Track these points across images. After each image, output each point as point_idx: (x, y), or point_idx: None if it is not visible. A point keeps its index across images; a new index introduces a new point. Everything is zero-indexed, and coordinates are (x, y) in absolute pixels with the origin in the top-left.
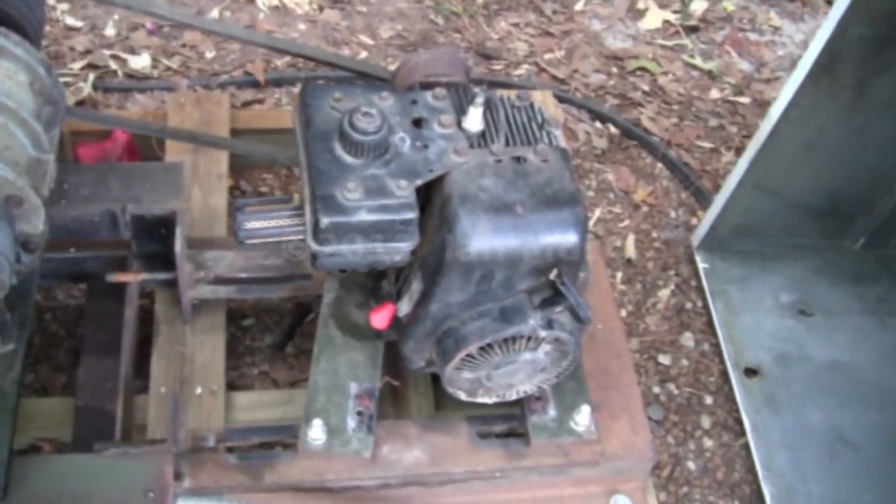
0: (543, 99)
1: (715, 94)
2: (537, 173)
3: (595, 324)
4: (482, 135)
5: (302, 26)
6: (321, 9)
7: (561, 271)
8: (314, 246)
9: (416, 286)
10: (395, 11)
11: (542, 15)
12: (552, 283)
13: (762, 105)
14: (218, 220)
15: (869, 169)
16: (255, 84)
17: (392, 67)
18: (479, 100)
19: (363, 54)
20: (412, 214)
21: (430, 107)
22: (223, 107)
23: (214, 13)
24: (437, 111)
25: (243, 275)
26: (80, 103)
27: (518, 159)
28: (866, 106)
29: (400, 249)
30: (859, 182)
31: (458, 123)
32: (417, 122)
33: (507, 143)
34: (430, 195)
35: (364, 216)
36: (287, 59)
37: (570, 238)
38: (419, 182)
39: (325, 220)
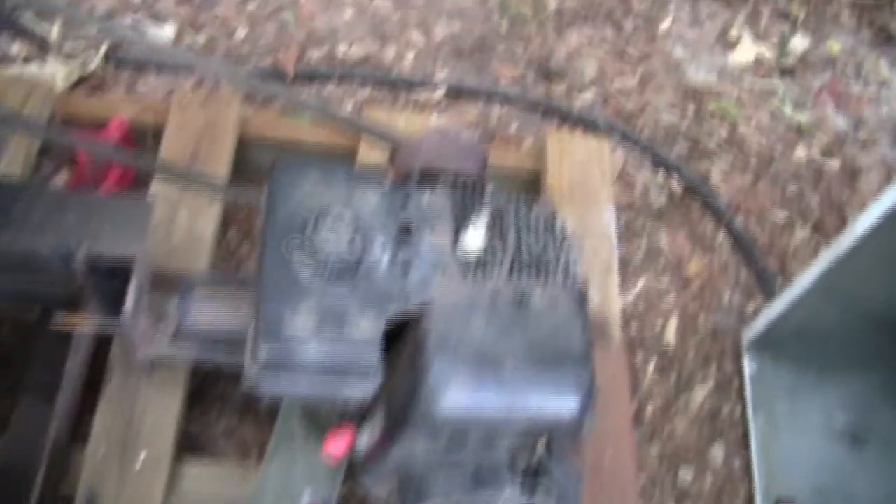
0: (598, 147)
1: (801, 152)
2: (541, 319)
3: (605, 448)
4: (482, 254)
5: (349, 13)
6: None
7: (551, 442)
8: (252, 370)
9: (378, 421)
10: (455, 8)
11: (620, 31)
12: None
13: (851, 174)
14: (201, 251)
15: None
16: (282, 77)
17: (441, 74)
18: (483, 219)
19: (410, 56)
20: (374, 356)
21: (424, 210)
22: (232, 110)
23: None
24: (431, 216)
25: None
26: (84, 80)
27: (520, 298)
28: None
29: (356, 392)
30: None
31: (456, 234)
32: (405, 229)
33: (512, 271)
34: (404, 324)
35: (314, 350)
36: (325, 49)
37: (567, 406)
38: (390, 315)
39: (265, 349)
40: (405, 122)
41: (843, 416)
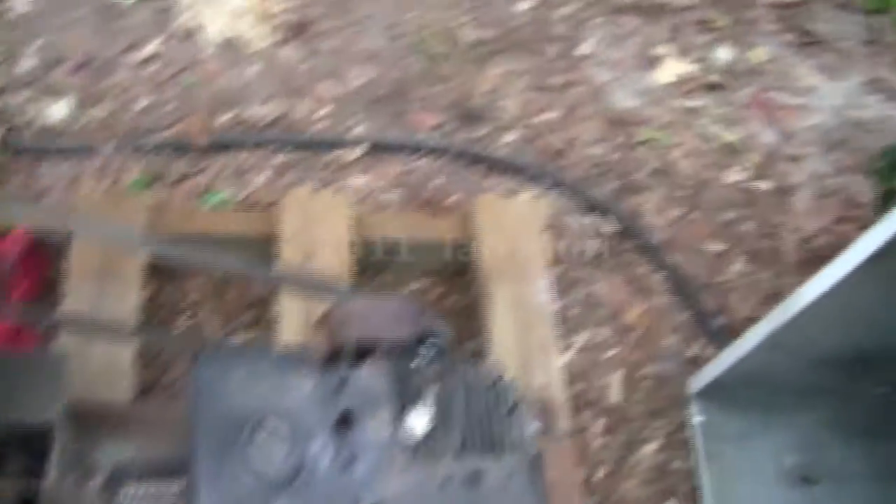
0: (531, 211)
1: (733, 175)
2: (495, 497)
3: None
4: (429, 435)
5: (255, 68)
6: (279, 44)
7: None
8: None
9: None
10: (368, 51)
11: (540, 58)
12: None
13: (783, 193)
14: (121, 380)
15: None
16: (192, 148)
17: (359, 129)
18: (428, 397)
19: (324, 110)
20: None
21: (362, 393)
22: (141, 213)
23: (148, 49)
24: (371, 400)
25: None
26: None
27: (473, 478)
28: None
29: None
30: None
31: (400, 416)
32: (345, 419)
33: (462, 448)
34: None
35: None
36: (233, 111)
37: None
38: None
39: None
40: (324, 203)
41: (793, 458)
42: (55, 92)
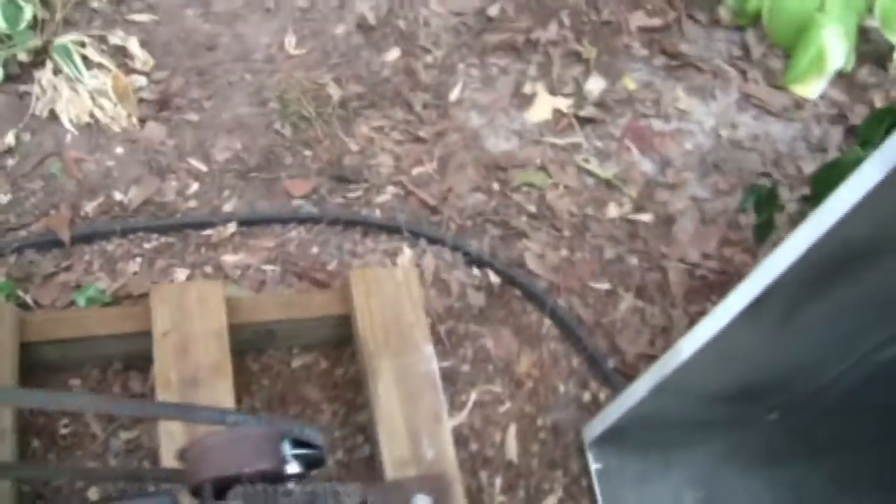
0: (405, 279)
1: (613, 210)
2: None
3: None
4: None
5: (119, 149)
6: (142, 122)
7: None
8: None
9: None
10: (232, 121)
11: (410, 111)
12: None
13: (666, 222)
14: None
15: (791, 366)
16: (59, 243)
17: (229, 205)
18: None
19: (193, 187)
20: None
21: None
22: (7, 323)
23: (7, 140)
24: None
25: None
26: None
27: None
28: (792, 326)
29: None
30: (778, 375)
31: None
32: None
33: None
34: None
35: None
36: (100, 198)
37: None
38: None
39: None
40: (197, 293)
41: (694, 494)
42: None
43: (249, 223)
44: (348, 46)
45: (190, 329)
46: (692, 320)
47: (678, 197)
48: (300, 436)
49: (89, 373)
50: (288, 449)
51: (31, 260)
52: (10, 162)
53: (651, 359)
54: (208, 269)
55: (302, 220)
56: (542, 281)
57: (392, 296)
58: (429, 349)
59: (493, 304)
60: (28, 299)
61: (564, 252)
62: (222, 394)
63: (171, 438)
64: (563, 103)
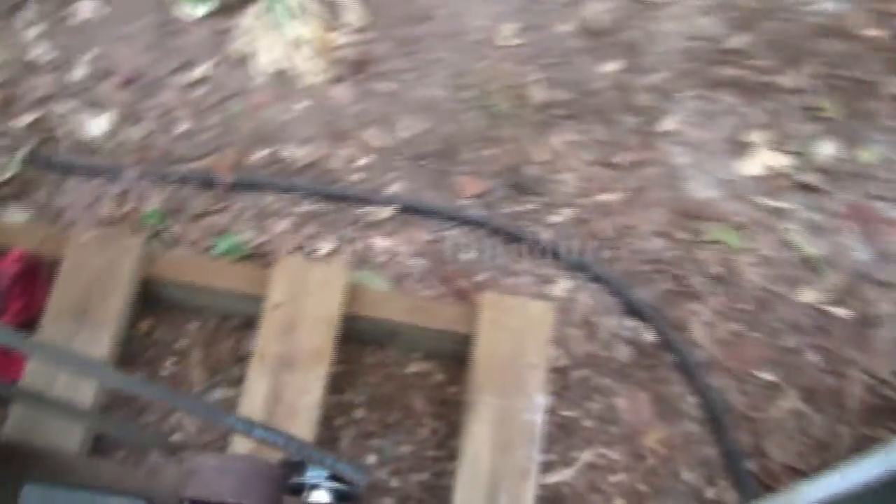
0: (540, 317)
1: (807, 294)
2: None
3: None
4: None
5: (303, 104)
6: (334, 82)
7: None
8: None
9: None
10: (424, 100)
11: (612, 132)
12: None
13: (864, 324)
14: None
15: None
16: (216, 184)
17: (395, 187)
18: None
19: (363, 160)
20: None
21: None
22: (131, 256)
23: (199, 71)
24: None
25: None
26: (6, 183)
27: None
28: None
29: None
30: None
31: None
32: None
33: None
34: None
35: None
36: (269, 150)
37: None
38: None
39: None
40: (321, 274)
41: None
42: (99, 105)
43: (410, 210)
44: (567, 48)
45: (302, 309)
46: (859, 445)
47: (888, 299)
48: (332, 470)
49: (208, 320)
50: (318, 475)
51: (188, 195)
52: (198, 93)
53: (797, 473)
54: (355, 247)
55: (464, 221)
56: (700, 352)
57: (519, 331)
58: (539, 399)
59: (638, 362)
60: (172, 232)
61: (736, 327)
62: (313, 382)
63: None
64: (783, 161)
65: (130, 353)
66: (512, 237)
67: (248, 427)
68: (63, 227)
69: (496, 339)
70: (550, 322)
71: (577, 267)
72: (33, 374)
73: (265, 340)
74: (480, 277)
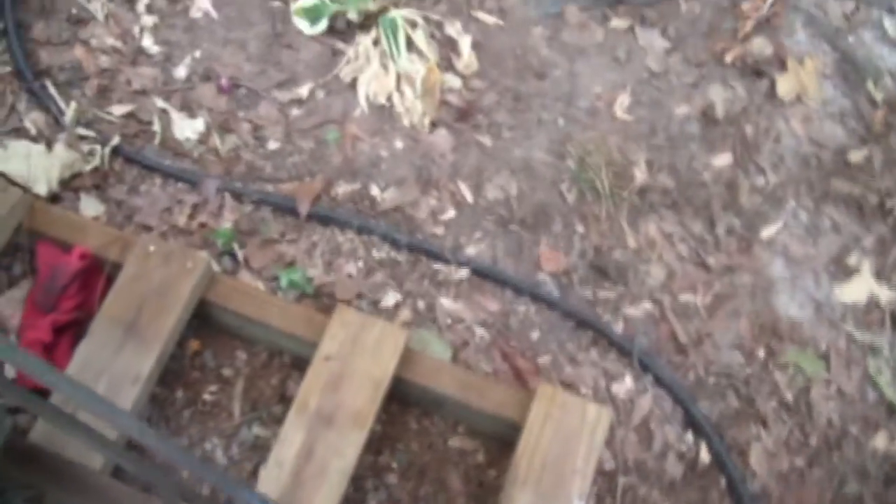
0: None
1: (881, 441)
2: None
3: None
4: None
5: (399, 143)
6: (434, 126)
7: None
8: None
9: None
10: (522, 161)
11: (711, 230)
12: None
13: None
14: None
15: None
16: (295, 212)
17: (474, 248)
18: None
19: (449, 213)
20: None
21: None
22: (192, 275)
23: (302, 90)
24: None
25: None
26: (89, 173)
27: None
28: None
29: None
30: None
31: None
32: None
33: None
34: None
35: None
36: (356, 185)
37: None
38: None
39: None
40: (380, 331)
41: None
42: (195, 108)
43: (484, 275)
44: (680, 132)
45: (352, 365)
46: None
47: None
48: None
49: (258, 352)
50: None
51: (264, 217)
52: (295, 112)
53: None
54: (420, 305)
55: (537, 298)
56: (756, 482)
57: (570, 432)
58: None
59: (689, 481)
60: (239, 255)
61: (799, 461)
62: (349, 446)
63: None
64: (886, 295)
65: (174, 371)
66: (584, 323)
67: None
68: (134, 228)
69: (545, 435)
70: (605, 430)
71: (644, 367)
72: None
73: (309, 391)
74: (542, 359)
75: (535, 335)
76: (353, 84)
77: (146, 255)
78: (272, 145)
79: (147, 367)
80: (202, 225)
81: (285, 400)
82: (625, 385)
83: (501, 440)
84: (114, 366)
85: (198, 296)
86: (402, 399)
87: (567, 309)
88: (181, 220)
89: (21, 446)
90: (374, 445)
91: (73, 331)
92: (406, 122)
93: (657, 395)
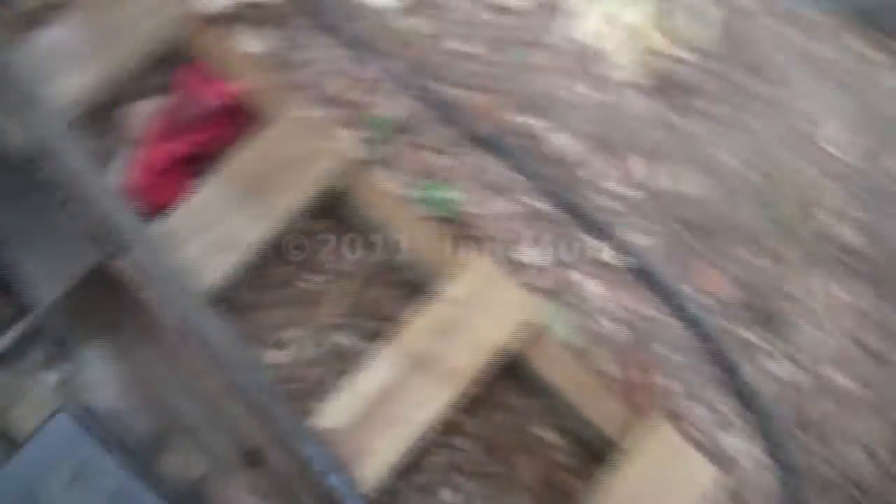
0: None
1: None
2: None
3: None
4: None
5: (593, 93)
6: (642, 89)
7: None
8: None
9: None
10: (716, 162)
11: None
12: None
13: None
14: None
15: None
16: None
17: (633, 236)
18: None
19: (621, 189)
20: None
21: None
22: (331, 155)
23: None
24: None
25: None
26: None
27: None
28: None
29: None
30: None
31: None
32: None
33: None
34: None
35: None
36: (534, 119)
37: None
38: None
39: None
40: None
41: None
42: None
43: (637, 273)
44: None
45: (470, 320)
46: None
47: None
48: None
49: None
50: None
51: (426, 119)
52: (499, 20)
53: None
54: (563, 275)
55: (683, 316)
56: None
57: (669, 478)
58: None
59: None
60: (387, 150)
61: None
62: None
63: None
64: None
65: (282, 247)
66: (720, 360)
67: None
68: (288, 84)
69: (640, 471)
70: (705, 488)
71: (763, 434)
72: None
73: (414, 329)
74: (661, 381)
75: (663, 351)
76: (567, 14)
77: (291, 119)
78: (464, 47)
79: (256, 234)
80: (358, 104)
81: (385, 320)
82: (734, 441)
83: (588, 448)
84: (223, 222)
85: (331, 178)
86: (505, 367)
87: (705, 337)
88: (338, 92)
89: (106, 276)
90: (458, 403)
91: (191, 166)
92: (608, 73)
93: (764, 467)
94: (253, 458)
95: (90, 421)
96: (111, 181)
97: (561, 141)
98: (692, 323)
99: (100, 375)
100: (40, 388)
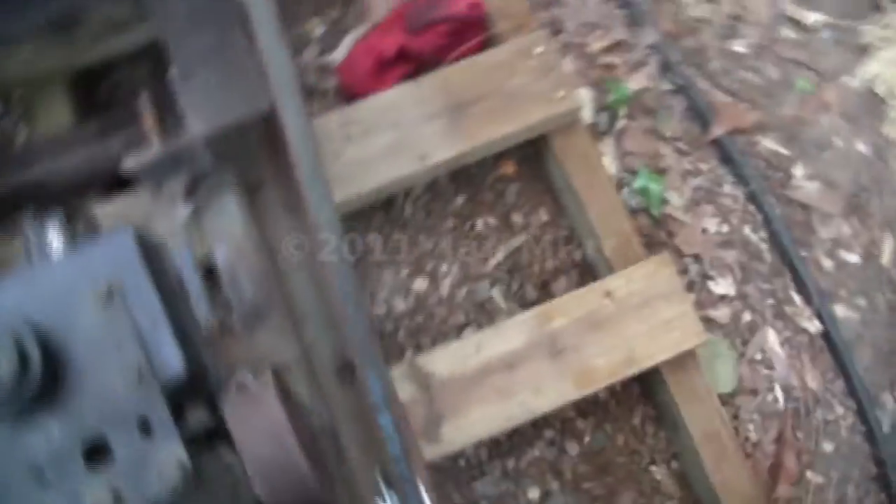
0: None
1: None
2: None
3: None
4: None
5: (857, 145)
6: None
7: None
8: None
9: None
10: None
11: None
12: None
13: None
14: None
15: None
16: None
17: (839, 310)
18: None
19: (846, 255)
20: None
21: None
22: (555, 105)
23: (812, 17)
24: None
25: None
26: None
27: None
28: None
29: None
30: None
31: None
32: None
33: None
34: None
35: None
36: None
37: None
38: None
39: None
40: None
41: None
42: None
43: (831, 346)
44: None
45: (624, 323)
46: None
47: None
48: None
49: (560, 227)
50: None
51: (671, 107)
52: (785, 32)
53: None
54: (744, 317)
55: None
56: None
57: None
58: None
59: None
60: (619, 123)
61: None
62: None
63: None
64: None
65: (471, 177)
66: (882, 479)
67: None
68: (545, 19)
69: None
70: None
71: None
72: None
73: (561, 309)
74: (812, 475)
75: (827, 447)
76: (862, 49)
77: (527, 53)
78: (742, 48)
79: (443, 155)
80: (609, 66)
81: (544, 290)
82: None
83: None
84: (415, 131)
85: (546, 127)
86: (646, 388)
87: (878, 452)
88: (593, 46)
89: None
90: (582, 405)
91: (412, 65)
92: (889, 131)
93: None
94: (345, 374)
95: (154, 252)
96: (335, 57)
97: (811, 188)
98: (869, 429)
99: (227, 228)
100: (170, 218)
